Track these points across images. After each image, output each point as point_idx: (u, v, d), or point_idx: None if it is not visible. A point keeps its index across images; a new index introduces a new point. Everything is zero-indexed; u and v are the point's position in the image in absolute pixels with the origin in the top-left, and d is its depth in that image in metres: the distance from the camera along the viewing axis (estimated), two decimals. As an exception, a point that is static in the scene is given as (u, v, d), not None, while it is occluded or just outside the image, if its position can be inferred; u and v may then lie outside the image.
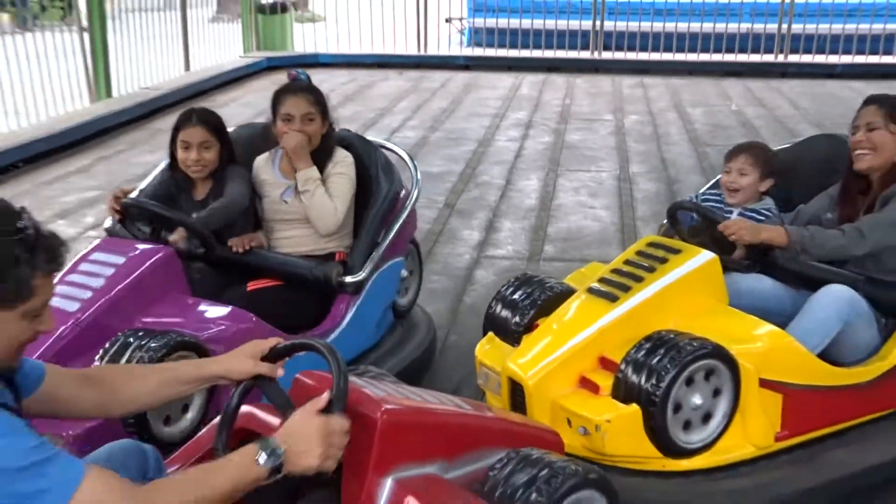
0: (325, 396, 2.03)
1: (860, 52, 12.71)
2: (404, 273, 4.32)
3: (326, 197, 3.74)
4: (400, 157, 4.45)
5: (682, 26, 12.98)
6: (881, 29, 12.81)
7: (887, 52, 12.77)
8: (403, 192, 4.23)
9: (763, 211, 3.59)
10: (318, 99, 3.91)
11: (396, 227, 4.01)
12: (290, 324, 3.52)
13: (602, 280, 3.18)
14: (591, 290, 3.15)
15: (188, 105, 9.97)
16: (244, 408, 2.25)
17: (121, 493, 1.71)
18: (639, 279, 3.11)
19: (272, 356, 2.23)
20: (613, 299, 3.07)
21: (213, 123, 3.82)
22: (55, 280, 1.85)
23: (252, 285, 3.72)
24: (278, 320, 3.47)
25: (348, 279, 3.73)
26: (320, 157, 3.87)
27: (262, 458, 1.86)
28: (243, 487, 1.87)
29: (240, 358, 2.21)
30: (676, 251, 3.19)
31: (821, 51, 12.79)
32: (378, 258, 3.90)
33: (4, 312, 1.72)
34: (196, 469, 1.98)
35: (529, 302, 3.26)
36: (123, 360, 2.84)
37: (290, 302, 3.72)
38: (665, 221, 3.65)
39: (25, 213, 1.78)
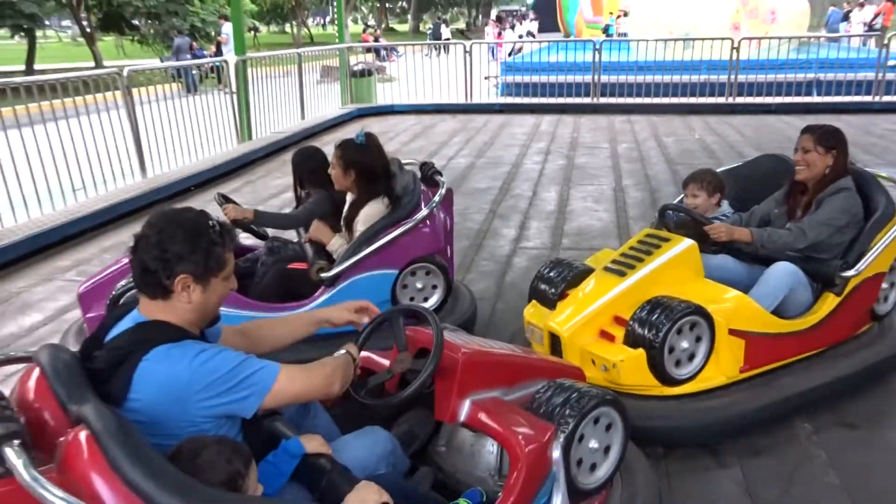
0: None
1: (788, 94, 12.49)
2: (419, 285, 3.84)
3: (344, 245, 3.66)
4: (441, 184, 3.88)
5: (658, 78, 12.82)
6: (803, 77, 12.61)
7: (808, 94, 12.53)
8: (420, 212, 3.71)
9: (720, 216, 3.62)
10: (342, 154, 3.56)
11: (382, 241, 3.56)
12: (300, 293, 3.62)
13: (613, 261, 3.21)
14: (606, 269, 3.19)
15: (307, 143, 10.21)
16: (364, 353, 2.32)
17: (299, 369, 1.91)
18: (640, 260, 3.14)
19: (381, 319, 2.31)
20: (622, 274, 3.10)
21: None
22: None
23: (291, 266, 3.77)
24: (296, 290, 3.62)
25: (322, 274, 3.55)
26: (360, 199, 3.63)
27: None
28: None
29: (340, 309, 2.32)
30: (666, 240, 3.21)
31: (759, 94, 12.58)
32: (353, 263, 3.53)
33: (215, 279, 1.86)
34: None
35: (561, 278, 3.30)
36: None
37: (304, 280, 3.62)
38: (655, 219, 3.67)
39: (208, 214, 1.91)
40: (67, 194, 6.60)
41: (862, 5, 22.35)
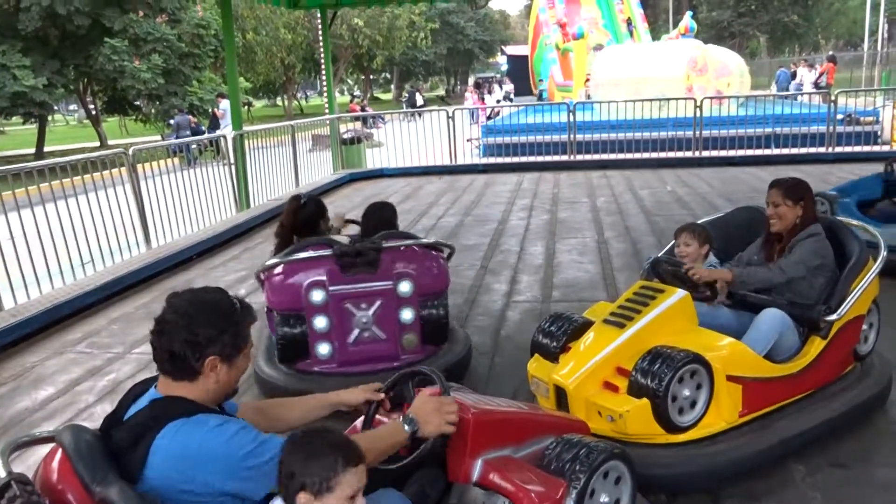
0: (437, 387, 2.09)
1: (749, 147, 12.72)
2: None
3: None
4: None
5: (629, 135, 13.02)
6: (762, 132, 12.87)
7: (767, 147, 12.75)
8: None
9: (708, 267, 3.62)
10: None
11: None
12: None
13: (612, 314, 3.17)
14: (605, 321, 3.14)
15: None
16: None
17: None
18: (638, 311, 3.09)
19: (391, 384, 2.27)
20: (622, 326, 3.06)
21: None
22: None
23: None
24: None
25: None
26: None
27: (405, 426, 1.98)
28: (393, 445, 1.97)
29: (355, 392, 2.24)
30: (661, 291, 3.18)
31: (723, 147, 12.81)
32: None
33: (241, 356, 1.83)
34: (366, 434, 2.03)
35: (562, 332, 3.25)
36: None
37: None
38: (645, 270, 3.65)
39: (227, 292, 1.88)
40: (77, 268, 6.52)
41: (812, 66, 23.07)
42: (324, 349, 3.86)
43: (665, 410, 2.78)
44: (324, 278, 3.79)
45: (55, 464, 1.70)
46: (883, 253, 3.49)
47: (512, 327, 5.04)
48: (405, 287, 3.88)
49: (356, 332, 3.88)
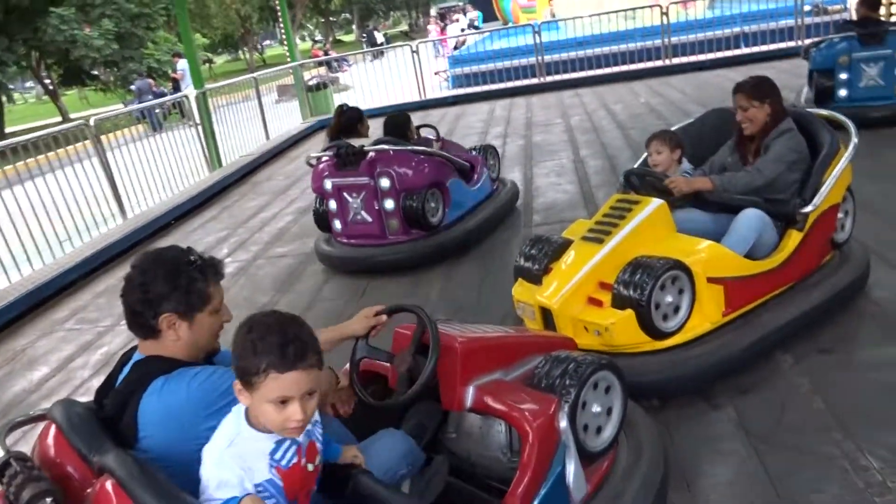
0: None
1: (718, 49, 12.58)
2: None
3: None
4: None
5: (597, 51, 12.85)
6: (730, 33, 12.70)
7: (736, 48, 12.62)
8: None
9: (682, 173, 3.62)
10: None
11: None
12: None
13: (590, 230, 3.19)
14: (584, 238, 3.16)
15: (274, 163, 10.18)
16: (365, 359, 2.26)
17: None
18: (615, 225, 3.12)
19: (389, 310, 2.26)
20: (600, 241, 3.08)
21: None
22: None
23: None
24: None
25: None
26: None
27: None
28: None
29: (360, 320, 2.23)
30: (636, 202, 3.19)
31: (692, 53, 12.66)
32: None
33: (201, 314, 1.80)
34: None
35: (542, 254, 3.25)
36: None
37: None
38: (620, 184, 3.66)
39: (192, 250, 1.86)
40: (55, 247, 6.46)
41: None
42: (336, 224, 5.20)
43: (649, 319, 2.83)
44: (327, 172, 5.07)
45: (50, 439, 1.71)
46: (854, 140, 3.50)
47: (497, 256, 5.04)
48: (385, 182, 4.90)
49: (351, 214, 5.08)
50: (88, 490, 1.55)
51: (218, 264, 1.88)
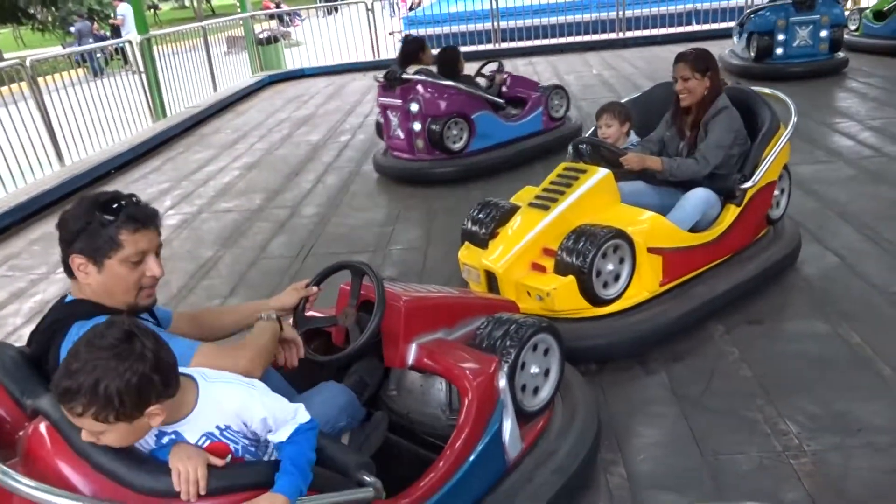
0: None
1: (671, 25, 12.72)
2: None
3: None
4: None
5: (553, 20, 12.84)
6: (683, 9, 12.85)
7: (689, 24, 12.79)
8: None
9: (630, 145, 3.68)
10: None
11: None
12: None
13: (537, 197, 3.22)
14: (531, 205, 3.20)
15: (221, 116, 9.91)
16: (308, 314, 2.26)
17: (217, 350, 1.78)
18: (561, 193, 3.15)
19: (322, 277, 2.25)
20: (546, 208, 3.12)
21: None
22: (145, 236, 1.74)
23: None
24: None
25: None
26: None
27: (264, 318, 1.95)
28: (271, 341, 1.92)
29: (289, 293, 2.22)
30: (583, 171, 3.23)
31: (646, 27, 12.77)
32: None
33: (110, 261, 1.71)
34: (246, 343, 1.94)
35: (490, 218, 3.29)
36: None
37: None
38: (569, 153, 3.70)
39: (128, 196, 1.76)
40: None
41: None
42: (385, 137, 6.18)
43: (590, 286, 2.89)
44: (379, 91, 6.04)
45: None
46: (794, 119, 3.61)
47: (444, 219, 5.05)
48: (413, 107, 5.73)
49: (391, 130, 6.02)
50: (20, 433, 1.52)
51: (139, 212, 1.74)
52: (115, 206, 1.71)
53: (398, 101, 5.77)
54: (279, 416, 1.55)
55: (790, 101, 3.75)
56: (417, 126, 5.73)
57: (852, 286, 3.55)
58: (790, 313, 3.41)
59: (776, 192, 3.67)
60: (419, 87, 5.68)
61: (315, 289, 2.25)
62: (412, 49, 6.19)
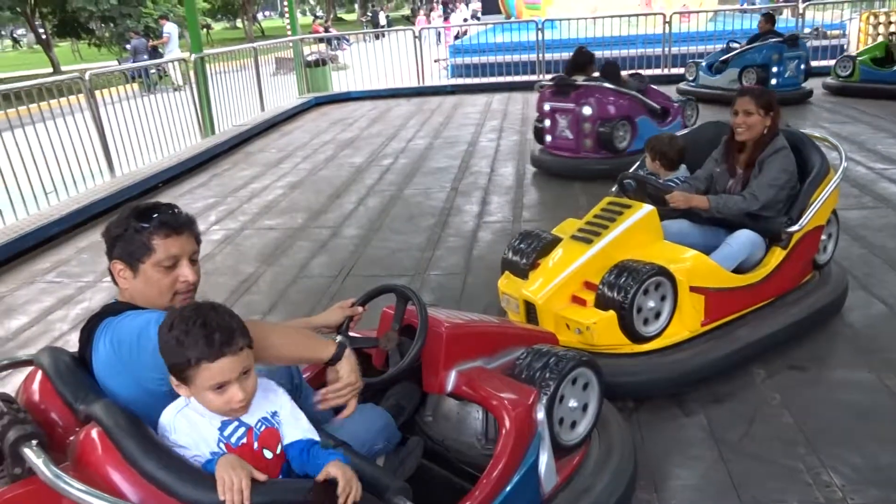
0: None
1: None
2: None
3: None
4: None
5: (598, 53, 12.82)
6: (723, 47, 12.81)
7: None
8: None
9: (676, 179, 3.67)
10: None
11: None
12: None
13: (580, 230, 3.22)
14: (573, 237, 3.20)
15: (267, 135, 10.13)
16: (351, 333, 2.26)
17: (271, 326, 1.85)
18: (605, 227, 3.15)
19: (368, 299, 2.28)
20: (589, 241, 3.12)
21: None
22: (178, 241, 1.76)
23: None
24: None
25: None
26: None
27: (330, 351, 1.87)
28: (309, 354, 1.89)
29: (332, 312, 2.25)
30: (627, 206, 3.23)
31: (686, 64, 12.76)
32: None
33: (143, 265, 1.75)
34: (293, 329, 2.01)
35: (531, 249, 3.29)
36: None
37: None
38: (614, 188, 3.70)
39: (167, 206, 1.80)
40: (40, 198, 6.39)
41: None
42: (547, 138, 6.90)
43: (630, 322, 2.88)
44: (547, 97, 6.77)
45: (36, 385, 1.71)
46: (843, 164, 3.57)
47: (483, 247, 5.09)
48: (586, 110, 6.45)
49: (558, 131, 6.71)
50: (71, 438, 1.55)
51: (171, 219, 1.78)
52: (151, 214, 1.77)
53: (570, 105, 6.56)
54: (297, 413, 1.69)
55: (841, 146, 3.71)
56: (588, 127, 6.50)
57: (900, 336, 3.46)
58: (834, 361, 3.34)
59: (823, 237, 3.62)
60: (593, 94, 6.51)
61: (360, 309, 2.27)
62: (584, 60, 6.91)
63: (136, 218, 1.76)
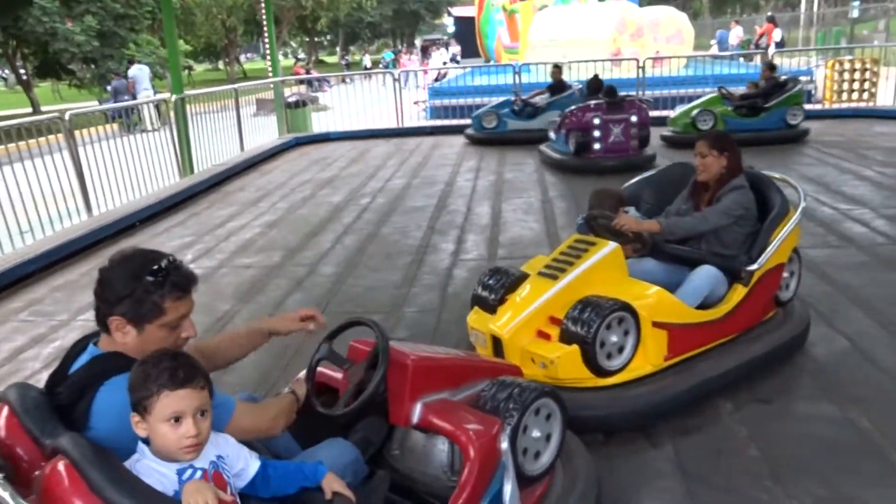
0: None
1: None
2: None
3: None
4: None
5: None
6: (703, 91, 13.07)
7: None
8: None
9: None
10: None
11: None
12: None
13: (546, 266, 3.29)
14: (540, 273, 3.26)
15: (246, 174, 10.21)
16: (319, 368, 2.34)
17: (250, 408, 1.93)
18: (570, 263, 3.22)
19: (335, 333, 2.33)
20: (555, 278, 3.18)
21: None
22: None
23: None
24: None
25: None
26: None
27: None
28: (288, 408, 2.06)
29: (285, 320, 2.34)
30: (593, 244, 3.31)
31: (664, 108, 13.00)
32: None
33: (150, 326, 1.79)
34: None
35: (500, 285, 3.34)
36: None
37: None
38: (578, 224, 3.80)
39: (169, 258, 1.82)
40: (15, 237, 6.38)
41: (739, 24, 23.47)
42: (597, 146, 8.81)
43: (594, 356, 2.94)
44: (600, 112, 8.79)
45: (2, 420, 1.72)
46: (802, 203, 3.70)
47: (459, 284, 5.16)
48: (634, 118, 8.78)
49: (612, 138, 8.76)
50: (37, 473, 1.57)
51: (184, 280, 1.82)
52: (162, 272, 1.78)
53: (623, 115, 8.73)
54: (243, 454, 1.78)
55: (799, 186, 3.85)
56: (634, 131, 8.73)
57: (862, 370, 3.56)
58: (799, 394, 3.41)
59: (785, 275, 3.73)
60: (635, 105, 8.96)
61: (311, 326, 2.34)
62: (598, 85, 9.78)
63: (147, 275, 1.76)
